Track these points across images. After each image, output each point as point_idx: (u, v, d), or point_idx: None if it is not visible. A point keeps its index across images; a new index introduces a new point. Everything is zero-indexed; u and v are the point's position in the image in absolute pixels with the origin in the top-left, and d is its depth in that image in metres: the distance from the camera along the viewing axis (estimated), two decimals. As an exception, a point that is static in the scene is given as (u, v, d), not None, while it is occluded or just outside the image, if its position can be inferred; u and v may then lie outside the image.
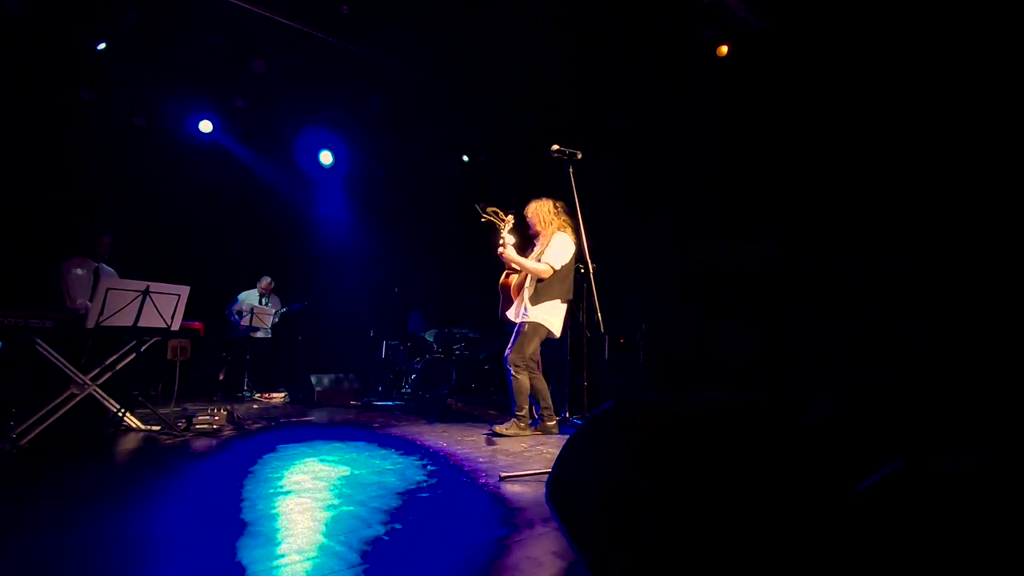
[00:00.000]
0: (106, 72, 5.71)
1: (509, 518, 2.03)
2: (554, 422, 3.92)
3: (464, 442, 3.64)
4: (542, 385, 3.94)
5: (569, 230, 4.01)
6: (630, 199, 6.49)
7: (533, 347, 3.87)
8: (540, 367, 3.99)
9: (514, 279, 4.02)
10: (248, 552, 1.66)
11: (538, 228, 4.05)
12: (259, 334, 6.72)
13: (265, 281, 6.89)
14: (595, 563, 1.39)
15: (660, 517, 1.28)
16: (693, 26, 5.18)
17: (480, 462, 2.99)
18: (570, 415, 4.91)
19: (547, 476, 1.64)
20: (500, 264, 4.09)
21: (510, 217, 3.98)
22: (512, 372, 3.83)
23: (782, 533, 1.34)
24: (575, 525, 1.48)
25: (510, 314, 3.98)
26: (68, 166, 6.07)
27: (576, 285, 4.01)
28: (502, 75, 6.12)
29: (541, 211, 4.04)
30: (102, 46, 5.38)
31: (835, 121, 4.98)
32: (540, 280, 3.91)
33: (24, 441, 3.21)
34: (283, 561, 1.59)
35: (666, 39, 5.35)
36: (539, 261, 3.92)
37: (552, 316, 3.91)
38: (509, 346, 3.89)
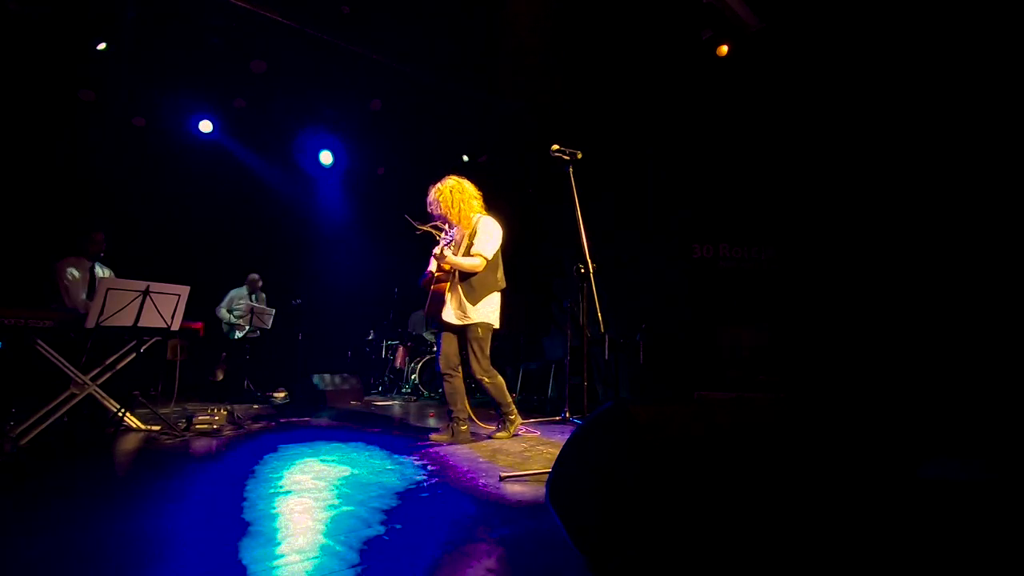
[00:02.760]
0: (106, 72, 5.70)
1: (509, 518, 2.03)
2: (466, 427, 3.70)
3: (464, 442, 3.64)
4: (461, 387, 3.70)
5: (485, 210, 3.70)
6: (630, 199, 6.49)
7: (488, 346, 3.64)
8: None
9: (445, 284, 3.68)
10: (248, 552, 1.66)
11: (451, 216, 3.64)
12: (254, 333, 6.67)
13: (254, 276, 6.78)
14: (595, 563, 1.39)
15: (660, 518, 1.28)
16: (692, 26, 5.18)
17: (480, 462, 2.99)
18: (570, 415, 4.91)
19: (547, 476, 1.64)
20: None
21: (463, 221, 3.71)
22: (484, 380, 3.61)
23: (782, 534, 1.34)
24: (575, 525, 1.48)
25: (445, 315, 3.65)
26: (68, 166, 6.06)
27: (575, 285, 3.98)
28: (502, 74, 6.12)
29: (446, 196, 3.63)
30: (102, 46, 5.38)
31: (835, 121, 4.98)
32: (473, 274, 3.59)
33: (24, 441, 3.21)
34: (283, 561, 1.59)
35: (665, 39, 5.35)
36: (470, 254, 3.58)
37: (495, 309, 3.68)
38: (472, 356, 3.61)
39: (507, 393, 3.73)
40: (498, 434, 3.75)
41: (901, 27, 4.43)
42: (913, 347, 4.24)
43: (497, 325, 3.71)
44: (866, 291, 4.67)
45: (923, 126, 4.41)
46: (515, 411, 3.78)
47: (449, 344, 3.70)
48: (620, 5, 5.03)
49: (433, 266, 3.74)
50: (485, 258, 3.58)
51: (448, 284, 3.67)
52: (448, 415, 3.71)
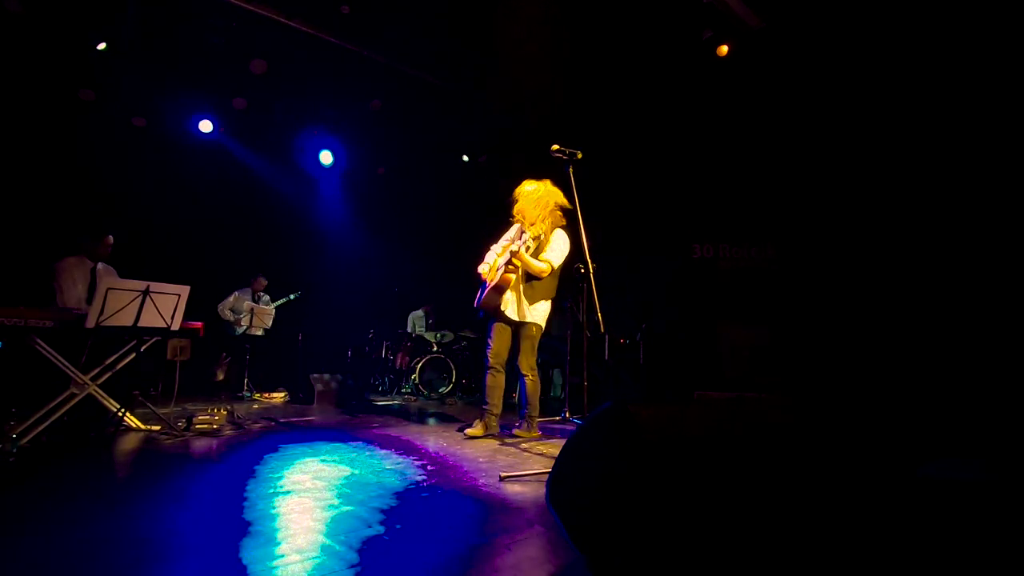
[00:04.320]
0: (106, 72, 5.71)
1: (509, 518, 2.03)
2: (496, 421, 3.87)
3: (464, 442, 3.65)
4: (503, 384, 3.87)
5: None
6: (629, 199, 6.49)
7: (537, 346, 3.86)
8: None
9: (512, 278, 3.78)
10: (248, 552, 1.66)
11: (535, 215, 3.76)
12: (256, 331, 6.70)
13: (261, 279, 6.85)
14: (595, 563, 1.39)
15: (659, 517, 1.28)
16: (692, 26, 5.18)
17: (480, 462, 2.99)
18: (570, 415, 4.92)
19: (547, 476, 1.64)
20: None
21: (539, 225, 3.78)
22: (528, 377, 3.77)
23: (781, 534, 1.34)
24: (575, 525, 1.48)
25: (506, 310, 3.77)
26: (68, 166, 6.07)
27: (575, 285, 3.98)
28: (502, 74, 6.12)
29: (542, 195, 3.76)
30: (102, 46, 5.38)
31: (835, 120, 4.98)
32: (537, 278, 3.76)
33: (24, 441, 3.21)
34: (283, 561, 1.60)
35: (666, 39, 5.35)
36: (539, 258, 3.74)
37: (544, 314, 3.87)
38: (523, 353, 3.78)
39: (538, 396, 3.88)
40: (517, 431, 3.83)
41: (901, 26, 4.43)
42: (913, 347, 4.24)
43: (544, 328, 3.89)
44: (866, 291, 4.67)
45: (923, 125, 4.40)
46: (537, 415, 3.90)
47: (502, 339, 3.85)
48: (620, 5, 5.03)
49: (490, 258, 3.92)
50: (552, 265, 3.75)
51: (514, 280, 3.78)
52: (482, 407, 3.83)
